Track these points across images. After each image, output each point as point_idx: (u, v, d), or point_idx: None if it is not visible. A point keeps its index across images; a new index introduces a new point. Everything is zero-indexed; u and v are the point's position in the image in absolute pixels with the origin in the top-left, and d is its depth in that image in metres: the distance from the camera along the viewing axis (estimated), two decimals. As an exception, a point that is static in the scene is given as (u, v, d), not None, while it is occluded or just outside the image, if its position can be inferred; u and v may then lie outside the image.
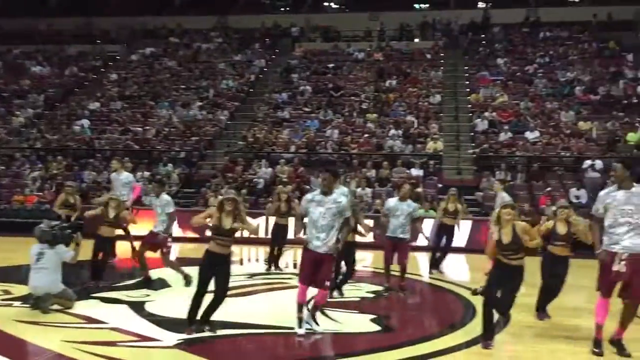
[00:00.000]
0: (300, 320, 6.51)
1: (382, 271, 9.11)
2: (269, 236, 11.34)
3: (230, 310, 6.93)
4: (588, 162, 17.27)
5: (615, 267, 5.73)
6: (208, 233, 7.12)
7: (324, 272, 6.47)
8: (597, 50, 24.20)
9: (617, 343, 5.92)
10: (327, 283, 6.65)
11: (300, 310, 6.56)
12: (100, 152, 20.69)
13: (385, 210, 9.14)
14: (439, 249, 11.21)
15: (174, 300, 8.30)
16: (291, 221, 10.55)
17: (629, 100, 20.53)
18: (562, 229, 7.29)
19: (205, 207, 15.78)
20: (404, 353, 5.94)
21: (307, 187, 16.64)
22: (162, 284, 9.27)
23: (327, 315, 7.47)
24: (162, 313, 7.46)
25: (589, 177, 16.91)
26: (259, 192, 17.72)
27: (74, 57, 28.28)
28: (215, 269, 6.42)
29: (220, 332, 6.54)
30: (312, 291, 6.68)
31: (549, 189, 16.67)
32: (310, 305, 6.80)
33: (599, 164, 17.16)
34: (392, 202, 9.13)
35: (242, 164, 19.26)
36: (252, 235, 7.58)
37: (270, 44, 27.59)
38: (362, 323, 7.20)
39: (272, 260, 11.10)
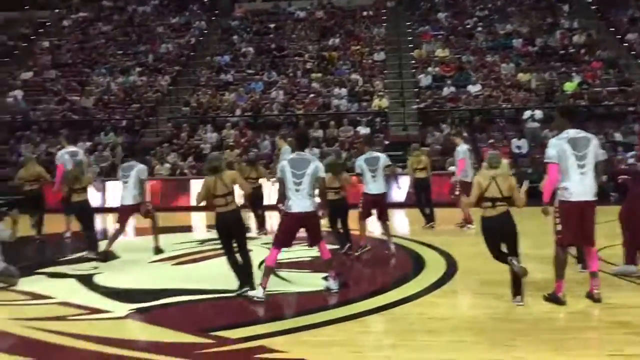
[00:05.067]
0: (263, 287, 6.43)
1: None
2: None
3: (182, 277, 6.87)
4: (528, 113, 17.72)
5: None
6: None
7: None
8: (534, 1, 24.57)
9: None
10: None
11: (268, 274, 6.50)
12: (37, 124, 19.90)
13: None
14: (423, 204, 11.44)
15: (122, 271, 8.20)
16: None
17: (565, 51, 21.03)
18: None
19: (151, 176, 15.50)
20: (355, 308, 6.03)
21: (255, 150, 16.51)
22: (110, 255, 9.08)
23: (279, 276, 7.51)
24: (111, 284, 7.33)
25: (529, 127, 17.38)
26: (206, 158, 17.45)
27: (1, 24, 26.82)
28: None
29: (172, 300, 6.50)
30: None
31: (491, 140, 17.07)
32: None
33: (538, 114, 17.64)
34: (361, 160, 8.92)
35: (187, 130, 18.91)
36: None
37: (209, 4, 26.84)
38: (314, 281, 7.25)
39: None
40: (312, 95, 19.90)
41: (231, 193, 6.67)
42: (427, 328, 5.37)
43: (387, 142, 17.72)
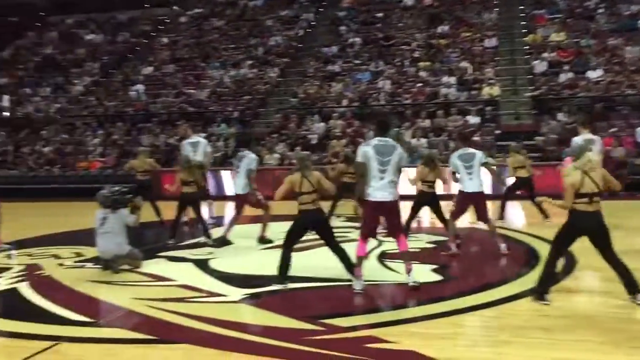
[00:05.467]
0: (359, 276, 6.44)
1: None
2: None
3: (292, 265, 7.02)
4: (656, 99, 16.43)
5: None
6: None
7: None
8: (664, -21, 22.64)
9: None
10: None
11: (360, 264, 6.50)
12: (157, 116, 21.10)
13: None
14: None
15: (236, 257, 8.53)
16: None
17: (700, 31, 19.24)
18: None
19: (260, 165, 15.95)
20: (467, 302, 5.89)
21: (361, 140, 16.52)
22: (223, 241, 9.46)
23: (387, 266, 7.50)
24: (225, 269, 7.65)
25: (657, 115, 16.11)
26: (313, 148, 17.75)
27: (125, 23, 28.66)
28: None
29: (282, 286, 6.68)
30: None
31: (613, 129, 15.99)
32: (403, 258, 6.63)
33: (668, 100, 16.32)
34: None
35: (295, 121, 19.27)
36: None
37: (317, -4, 27.14)
38: (422, 273, 7.16)
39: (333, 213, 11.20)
40: (419, 84, 19.60)
41: (316, 192, 6.71)
42: (543, 325, 5.14)
43: (498, 132, 17.14)
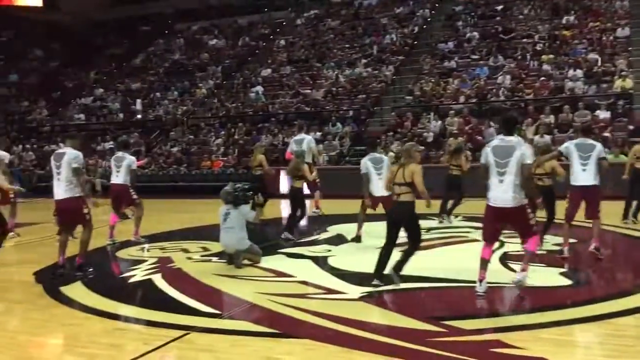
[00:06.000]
0: (482, 278, 6.21)
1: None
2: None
3: (409, 264, 6.93)
4: None
5: None
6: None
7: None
8: None
9: None
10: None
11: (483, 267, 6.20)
12: (275, 116, 21.72)
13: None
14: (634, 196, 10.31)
15: (355, 255, 8.56)
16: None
17: None
18: None
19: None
20: (602, 309, 5.51)
21: (479, 138, 16.02)
22: (341, 239, 9.54)
23: (510, 268, 7.20)
24: (344, 267, 7.70)
25: None
26: (429, 146, 17.45)
27: (245, 27, 29.78)
28: None
29: (401, 286, 6.60)
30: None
31: None
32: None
33: None
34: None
35: (410, 119, 19.06)
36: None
37: (433, -9, 26.65)
38: (550, 277, 6.80)
39: (445, 211, 10.98)
40: (542, 78, 18.67)
41: (408, 185, 6.46)
42: (692, 338, 4.70)
43: (631, 127, 15.94)
